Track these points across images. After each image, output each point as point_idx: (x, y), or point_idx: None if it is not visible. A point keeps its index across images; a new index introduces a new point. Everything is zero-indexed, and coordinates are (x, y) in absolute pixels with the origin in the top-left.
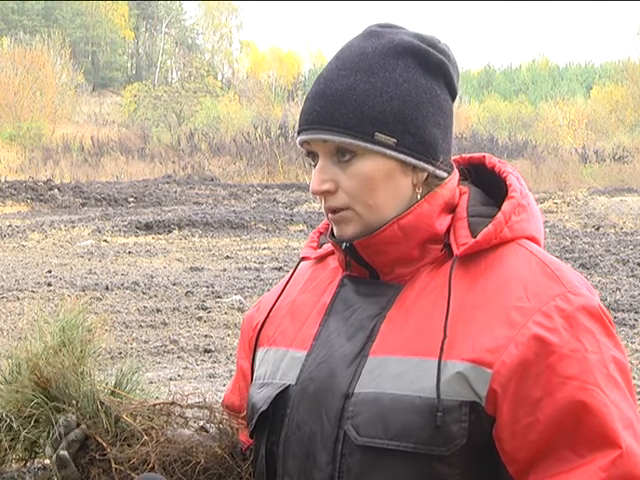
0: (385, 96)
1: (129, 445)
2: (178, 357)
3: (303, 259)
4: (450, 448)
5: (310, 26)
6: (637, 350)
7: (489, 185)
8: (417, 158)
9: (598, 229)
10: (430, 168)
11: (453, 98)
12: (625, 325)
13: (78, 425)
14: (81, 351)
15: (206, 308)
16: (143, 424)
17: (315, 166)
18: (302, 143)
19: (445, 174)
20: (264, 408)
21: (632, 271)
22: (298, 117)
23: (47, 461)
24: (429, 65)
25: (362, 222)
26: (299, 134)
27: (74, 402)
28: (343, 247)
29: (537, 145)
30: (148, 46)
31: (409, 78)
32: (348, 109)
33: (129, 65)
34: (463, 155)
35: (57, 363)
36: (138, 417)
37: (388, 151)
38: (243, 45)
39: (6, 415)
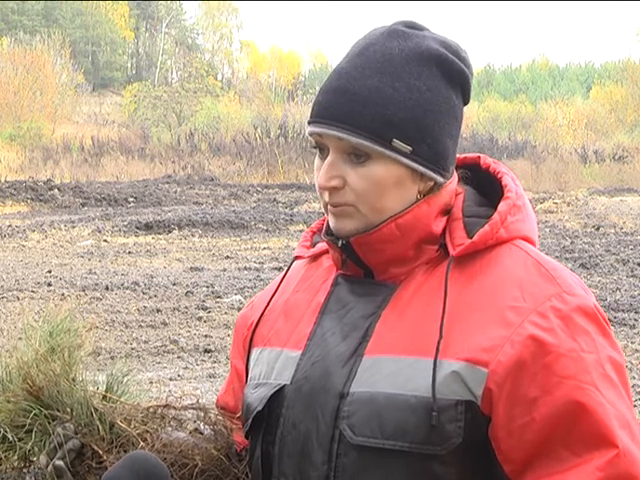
0: (408, 103)
1: (125, 451)
2: (178, 357)
3: (296, 258)
4: (446, 447)
5: (310, 26)
6: (637, 350)
7: (483, 186)
8: (429, 168)
9: (598, 229)
10: (439, 179)
11: (465, 105)
12: (625, 325)
13: (76, 434)
14: (70, 356)
15: (206, 308)
16: (138, 429)
17: (321, 157)
18: (313, 134)
19: (448, 181)
20: (259, 408)
21: (632, 271)
22: (311, 107)
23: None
24: (451, 75)
25: (364, 220)
26: (310, 124)
27: (68, 410)
28: (339, 245)
29: (537, 145)
30: (148, 46)
31: (432, 87)
32: (370, 111)
33: (129, 65)
34: (458, 155)
35: (48, 371)
36: (132, 422)
37: (403, 159)
38: (243, 45)
39: None
